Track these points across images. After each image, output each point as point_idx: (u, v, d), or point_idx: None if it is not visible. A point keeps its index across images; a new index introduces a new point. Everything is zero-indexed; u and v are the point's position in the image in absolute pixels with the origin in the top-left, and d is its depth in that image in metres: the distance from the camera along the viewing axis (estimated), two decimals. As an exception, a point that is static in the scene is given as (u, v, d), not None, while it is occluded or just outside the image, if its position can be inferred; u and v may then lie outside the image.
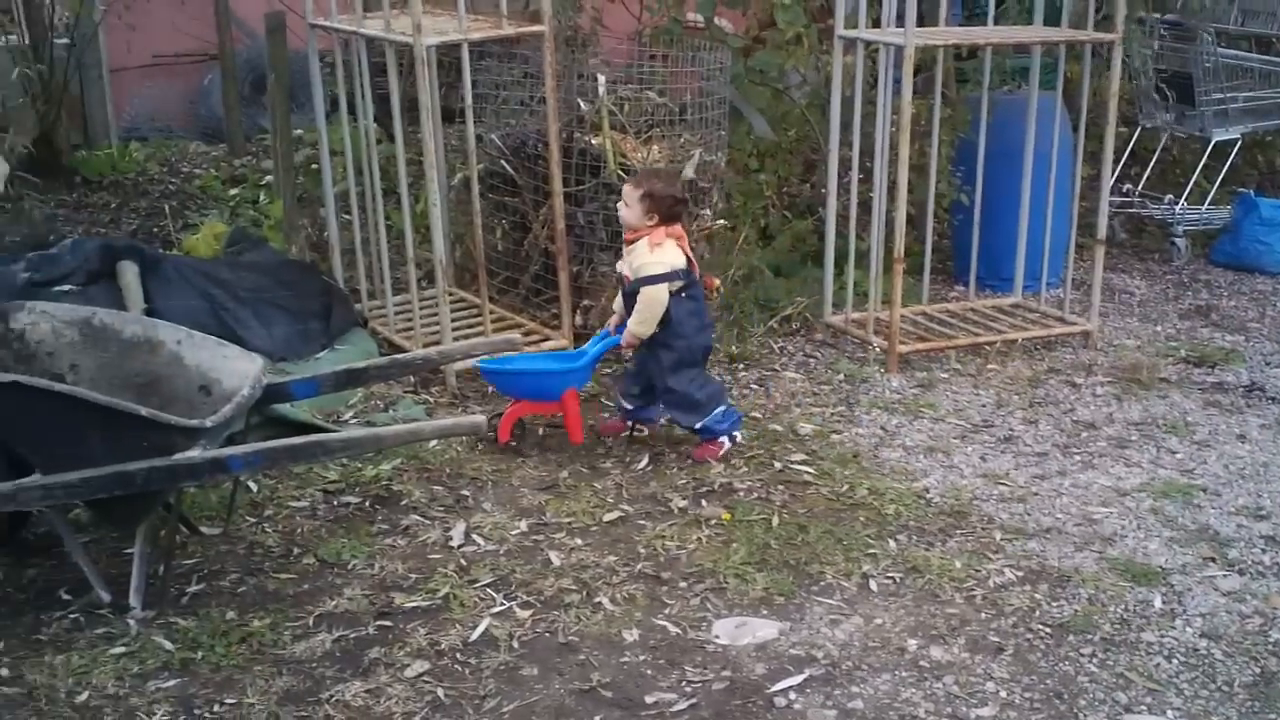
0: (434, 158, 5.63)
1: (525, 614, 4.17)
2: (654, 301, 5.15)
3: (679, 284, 5.20)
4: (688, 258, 5.25)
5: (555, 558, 4.50)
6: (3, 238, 6.72)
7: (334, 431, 5.15)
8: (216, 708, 3.70)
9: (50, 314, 4.48)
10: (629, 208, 5.21)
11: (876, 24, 6.39)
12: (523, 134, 6.37)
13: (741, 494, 4.98)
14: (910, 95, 5.89)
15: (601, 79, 6.13)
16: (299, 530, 4.69)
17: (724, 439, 5.30)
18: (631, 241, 5.26)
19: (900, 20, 6.10)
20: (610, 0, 7.41)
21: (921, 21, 6.10)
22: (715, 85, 6.39)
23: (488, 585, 4.32)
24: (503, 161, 6.41)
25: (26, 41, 7.44)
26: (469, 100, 5.70)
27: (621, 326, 5.33)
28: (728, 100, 6.63)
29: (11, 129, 7.20)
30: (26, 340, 4.41)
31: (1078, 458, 5.37)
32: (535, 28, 5.81)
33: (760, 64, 7.45)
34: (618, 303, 5.43)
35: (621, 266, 5.32)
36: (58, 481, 3.99)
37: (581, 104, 6.20)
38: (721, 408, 5.29)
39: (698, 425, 5.27)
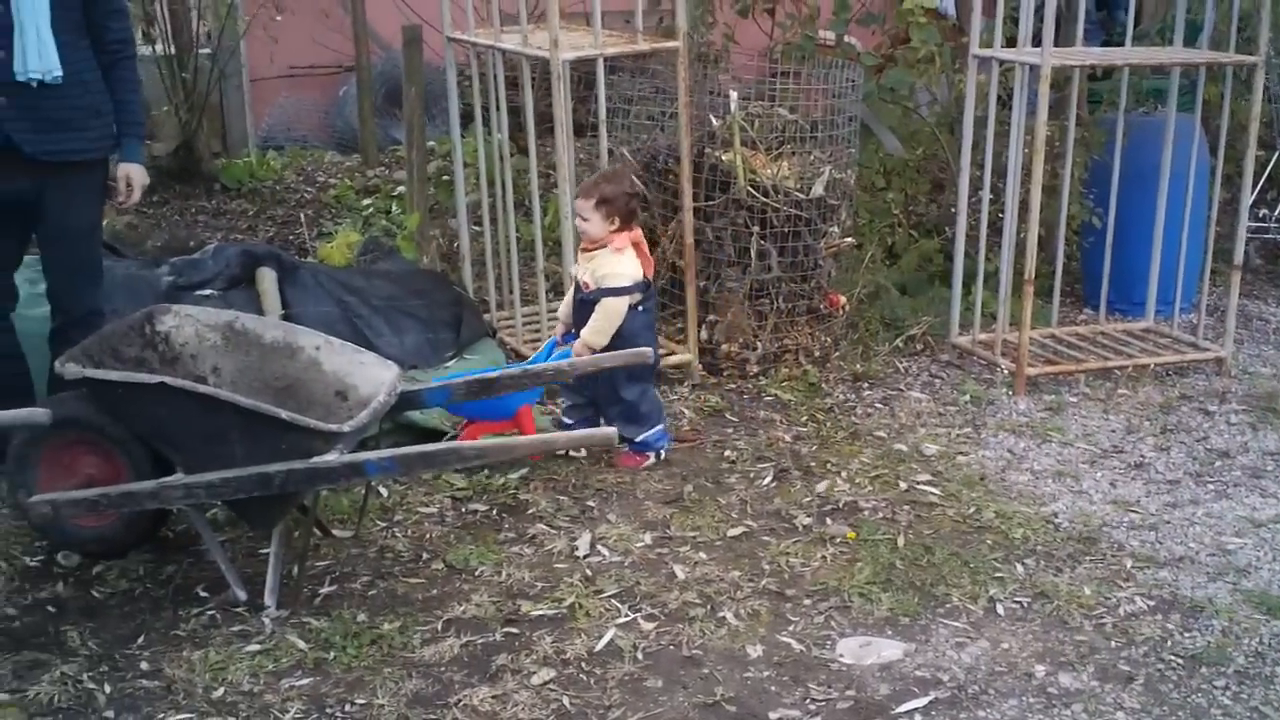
0: (566, 171, 5.69)
1: (650, 626, 4.19)
2: (614, 314, 5.14)
3: (638, 297, 5.21)
4: (645, 264, 5.25)
5: (680, 571, 4.52)
6: (145, 242, 6.92)
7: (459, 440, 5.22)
8: (348, 707, 3.77)
9: (194, 317, 4.61)
10: (588, 221, 5.19)
11: (1011, 43, 6.33)
12: (654, 149, 6.40)
13: (866, 513, 4.96)
14: (1045, 116, 5.83)
15: (733, 94, 6.15)
16: (428, 536, 4.76)
17: (651, 454, 5.31)
18: (590, 249, 5.24)
19: (1036, 40, 6.05)
20: (743, 17, 7.43)
21: (1057, 41, 6.03)
22: (846, 102, 6.38)
23: (613, 596, 4.36)
24: (633, 176, 6.44)
25: (172, 51, 7.66)
26: (602, 115, 5.76)
27: (570, 336, 5.31)
28: (858, 117, 6.61)
29: (157, 138, 7.42)
30: (171, 342, 4.54)
31: (1211, 486, 5.26)
32: (670, 43, 5.86)
33: (892, 82, 7.42)
34: (564, 310, 5.43)
35: (578, 272, 5.28)
36: (199, 481, 4.10)
37: (713, 119, 6.23)
38: (661, 425, 5.34)
39: (639, 438, 5.28)
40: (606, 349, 5.12)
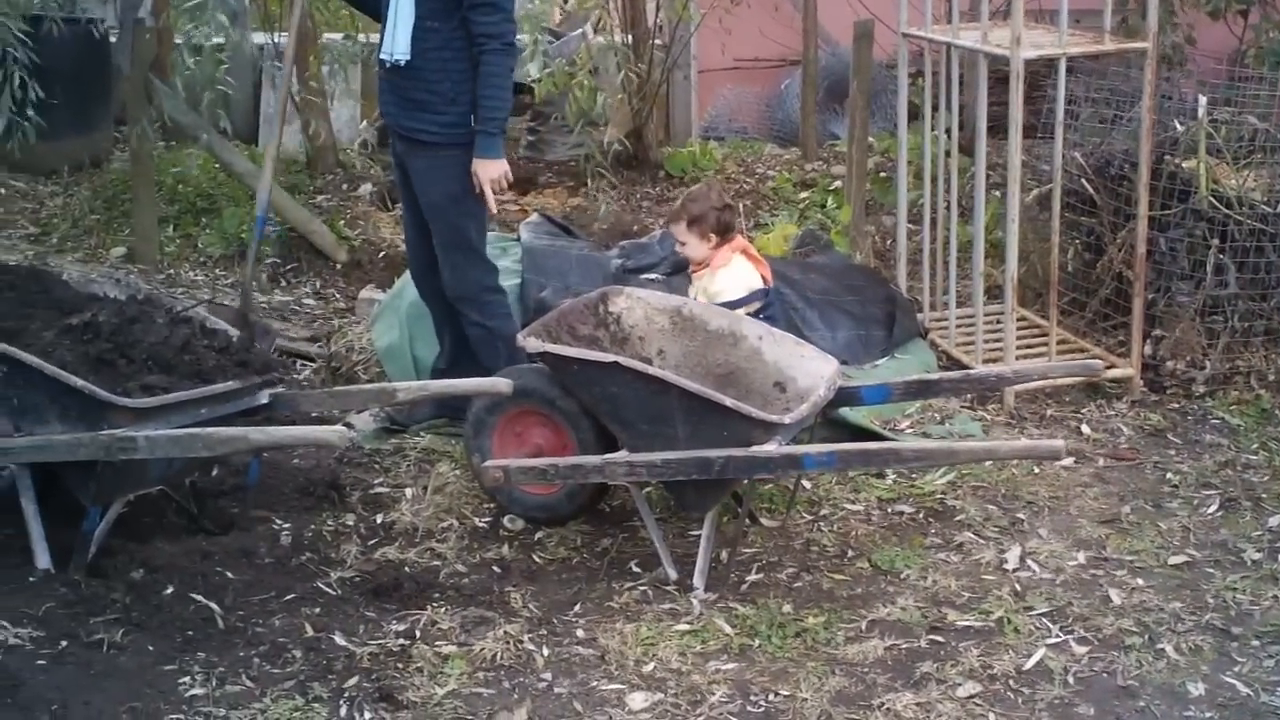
0: (1017, 173, 5.54)
1: (1082, 650, 4.03)
2: None
3: (756, 305, 4.94)
4: (762, 275, 5.02)
5: (1115, 595, 4.33)
6: (593, 224, 7.20)
7: (896, 440, 5.17)
8: (771, 697, 3.81)
9: (645, 300, 4.76)
10: (686, 245, 5.03)
11: None
12: (1108, 153, 6.16)
13: (1326, 555, 4.62)
14: None
15: (1202, 100, 5.83)
16: (853, 534, 4.74)
17: None
18: (699, 270, 5.05)
19: None
20: (1214, 19, 7.04)
21: None
22: (1325, 111, 5.94)
23: (1043, 614, 4.22)
24: (1083, 180, 6.22)
25: (629, 41, 7.92)
26: (1059, 116, 5.58)
27: None
28: (1336, 128, 6.14)
29: (610, 125, 7.70)
30: (622, 323, 4.70)
31: None
32: (1138, 44, 5.61)
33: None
34: None
35: (692, 293, 5.08)
36: (642, 460, 4.24)
37: (1178, 124, 5.93)
38: None
39: None
40: None
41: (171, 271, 6.96)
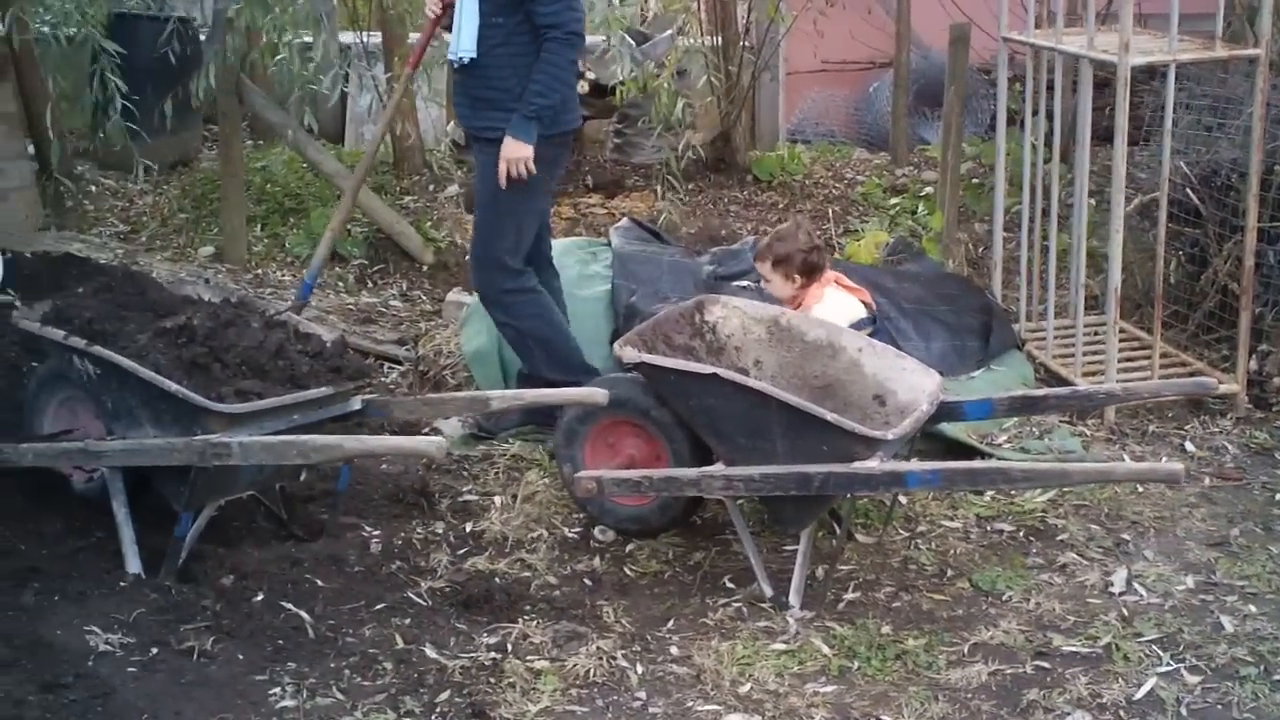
0: (1121, 181, 5.38)
1: (1194, 679, 3.88)
2: None
3: (865, 332, 4.81)
4: (863, 302, 4.94)
5: (1227, 623, 4.17)
6: (680, 229, 7.10)
7: (1002, 458, 5.04)
8: (872, 722, 3.71)
9: (741, 310, 4.67)
10: (770, 283, 4.93)
11: None
12: (1215, 162, 5.98)
13: None
14: None
15: (1317, 109, 5.65)
16: (952, 552, 4.62)
17: None
18: (789, 305, 4.91)
19: None
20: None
21: None
22: None
23: (1152, 641, 4.07)
24: (1187, 190, 6.05)
25: (718, 43, 7.82)
26: (1168, 125, 5.42)
27: None
28: None
29: (689, 130, 7.59)
30: (718, 333, 4.61)
31: None
32: (1250, 51, 5.43)
33: None
34: None
35: None
36: (740, 474, 4.14)
37: (1288, 134, 5.75)
38: None
39: None
40: None
41: (259, 271, 6.94)
